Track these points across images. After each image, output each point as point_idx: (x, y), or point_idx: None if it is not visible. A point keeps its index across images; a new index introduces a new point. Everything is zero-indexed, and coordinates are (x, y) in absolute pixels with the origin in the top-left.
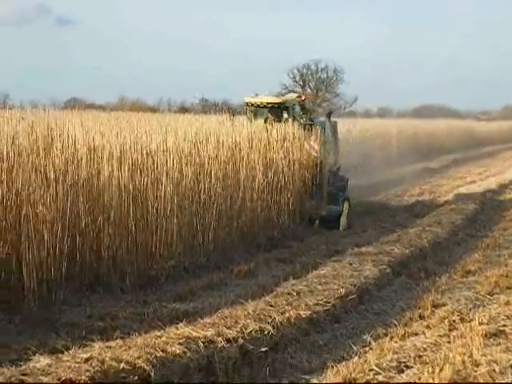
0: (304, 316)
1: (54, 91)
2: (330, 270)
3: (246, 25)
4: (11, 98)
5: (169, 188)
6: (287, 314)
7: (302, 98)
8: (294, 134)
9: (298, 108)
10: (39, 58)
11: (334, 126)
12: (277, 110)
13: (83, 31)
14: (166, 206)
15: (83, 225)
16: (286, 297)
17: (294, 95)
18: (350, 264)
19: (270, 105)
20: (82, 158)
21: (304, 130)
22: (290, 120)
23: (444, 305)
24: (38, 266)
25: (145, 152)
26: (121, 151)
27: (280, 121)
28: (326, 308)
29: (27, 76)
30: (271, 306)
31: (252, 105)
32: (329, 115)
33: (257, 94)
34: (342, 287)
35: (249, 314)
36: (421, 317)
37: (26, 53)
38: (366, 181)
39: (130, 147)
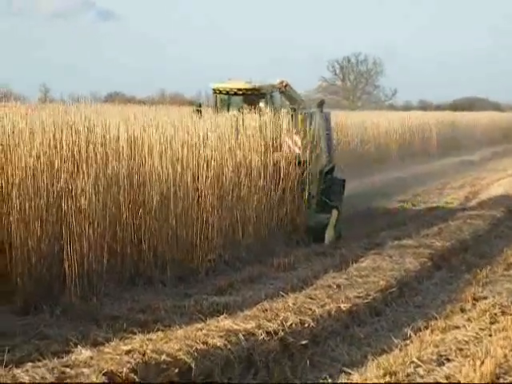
0: (344, 309)
1: (95, 85)
2: (370, 263)
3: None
4: (52, 91)
5: (209, 181)
6: (327, 307)
7: (284, 84)
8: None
9: (277, 96)
10: (80, 53)
11: (327, 119)
12: (253, 98)
13: (125, 26)
14: (206, 200)
15: (124, 218)
16: (326, 290)
17: (275, 81)
18: (391, 257)
19: (241, 91)
20: (123, 152)
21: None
22: (268, 110)
23: (485, 298)
24: (80, 259)
25: (185, 146)
26: (161, 145)
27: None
28: (366, 301)
29: (68, 70)
30: (311, 298)
31: (221, 92)
32: (320, 105)
33: (230, 79)
34: (383, 280)
35: (289, 306)
36: (462, 310)
37: (67, 47)
38: (407, 173)
39: (171, 141)
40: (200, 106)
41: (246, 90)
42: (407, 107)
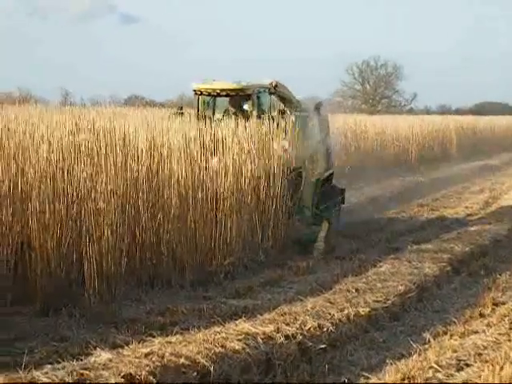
0: (363, 313)
1: (115, 88)
2: (389, 268)
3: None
4: (72, 94)
5: (228, 185)
6: (346, 311)
7: (273, 85)
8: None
9: (266, 97)
10: (100, 56)
11: (324, 122)
12: (239, 100)
13: (147, 29)
14: (225, 203)
15: (143, 221)
16: (344, 294)
17: (265, 81)
18: (409, 261)
19: (225, 92)
20: (142, 154)
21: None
22: (254, 112)
23: (504, 303)
24: (99, 262)
25: (204, 149)
26: (180, 147)
27: (243, 114)
28: (385, 305)
29: (88, 73)
30: (330, 302)
31: (202, 93)
32: (317, 108)
33: (214, 80)
34: (401, 285)
35: (308, 310)
36: (481, 315)
37: (87, 50)
38: (426, 177)
39: (189, 144)
40: (181, 108)
41: (230, 90)
42: (427, 111)
